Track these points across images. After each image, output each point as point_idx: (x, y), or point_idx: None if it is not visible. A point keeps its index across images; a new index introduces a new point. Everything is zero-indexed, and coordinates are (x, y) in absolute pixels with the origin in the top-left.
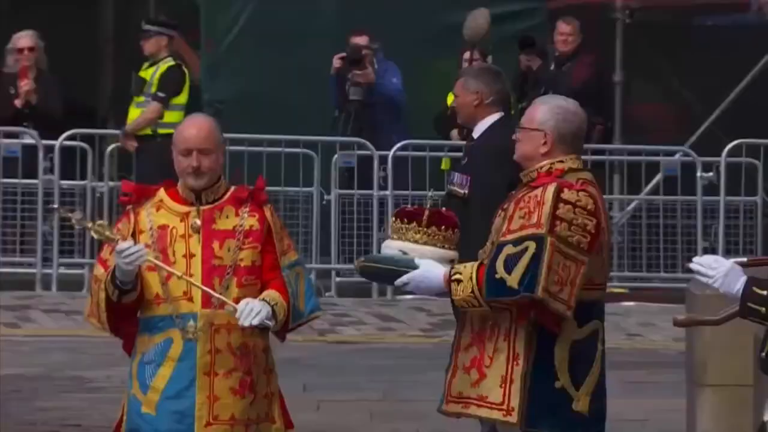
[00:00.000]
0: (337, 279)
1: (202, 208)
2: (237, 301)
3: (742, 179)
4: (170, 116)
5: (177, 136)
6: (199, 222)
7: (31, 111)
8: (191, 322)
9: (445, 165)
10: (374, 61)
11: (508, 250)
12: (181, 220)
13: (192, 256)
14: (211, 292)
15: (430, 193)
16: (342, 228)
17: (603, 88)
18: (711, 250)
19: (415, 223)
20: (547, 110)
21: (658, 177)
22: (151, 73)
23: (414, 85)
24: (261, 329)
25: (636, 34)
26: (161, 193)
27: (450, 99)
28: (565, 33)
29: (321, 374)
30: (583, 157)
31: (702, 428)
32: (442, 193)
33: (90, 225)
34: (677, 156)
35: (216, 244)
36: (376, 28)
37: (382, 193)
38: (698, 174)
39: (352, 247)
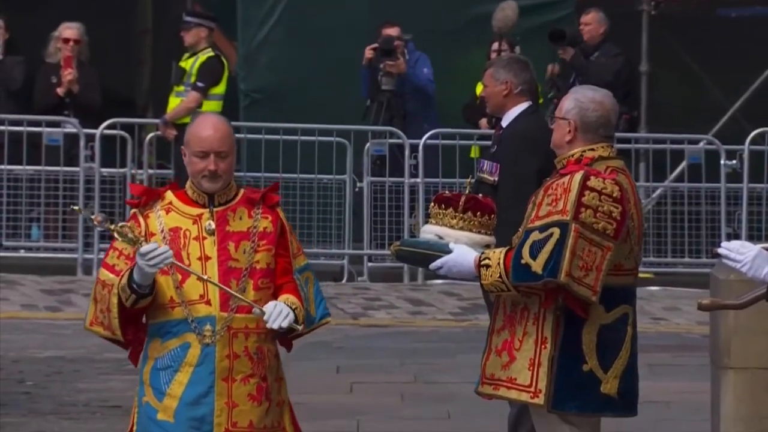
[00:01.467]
0: (369, 264)
1: (215, 210)
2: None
3: (765, 167)
4: (209, 105)
5: (192, 137)
6: (213, 224)
7: (72, 100)
8: (208, 326)
9: (474, 153)
10: (405, 51)
11: (535, 236)
12: (193, 222)
13: (207, 258)
14: (239, 295)
15: (468, 180)
16: (374, 215)
17: (629, 78)
18: (734, 236)
19: (451, 209)
20: (573, 99)
21: (683, 165)
22: (190, 64)
23: (444, 75)
24: (283, 335)
25: (661, 26)
26: (169, 195)
27: (479, 89)
28: (590, 23)
29: (353, 357)
30: None
31: (725, 410)
32: (473, 180)
33: (113, 227)
34: (701, 144)
35: (231, 246)
36: (406, 20)
37: (413, 180)
38: (722, 162)
39: (384, 233)
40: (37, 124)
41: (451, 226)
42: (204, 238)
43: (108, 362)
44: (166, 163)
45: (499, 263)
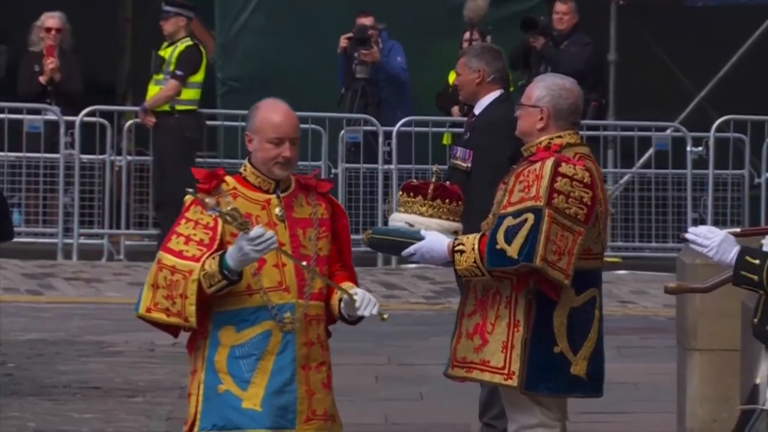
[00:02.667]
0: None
1: (282, 195)
2: (320, 291)
3: (730, 153)
4: (187, 93)
5: (264, 123)
6: (283, 211)
7: (54, 88)
8: (288, 314)
9: (446, 140)
10: (379, 40)
11: (508, 221)
12: (262, 208)
13: (282, 245)
14: (334, 283)
15: (435, 168)
16: (348, 200)
17: (598, 67)
18: (700, 221)
19: (420, 197)
20: (543, 87)
21: (650, 151)
22: (170, 53)
23: (417, 64)
24: (351, 323)
25: (629, 15)
26: (231, 180)
27: (452, 77)
28: (561, 12)
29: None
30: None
31: (692, 391)
32: (445, 167)
33: (226, 210)
34: (668, 131)
35: (300, 233)
36: (381, 10)
37: (386, 166)
38: (688, 148)
39: (359, 218)
40: (19, 111)
41: (421, 214)
42: (275, 225)
43: (88, 344)
44: (145, 149)
45: (473, 249)
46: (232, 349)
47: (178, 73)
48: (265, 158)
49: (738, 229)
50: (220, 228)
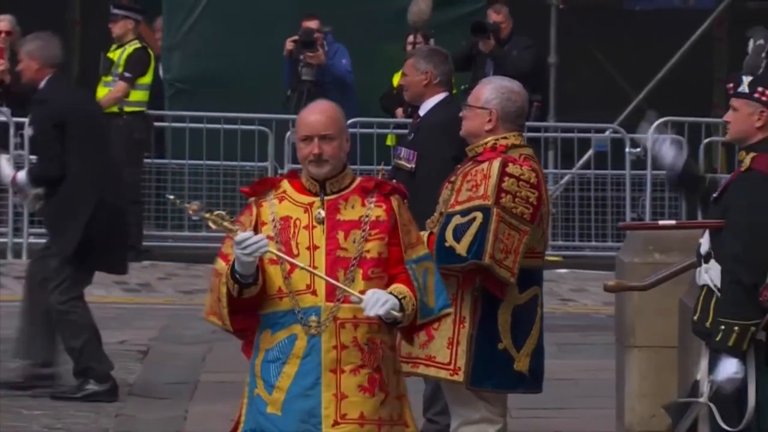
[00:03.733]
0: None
1: (326, 198)
2: (363, 294)
3: None
4: (136, 95)
5: (298, 122)
6: (323, 213)
7: (4, 90)
8: (314, 317)
9: (390, 141)
10: (324, 43)
11: (457, 220)
12: (304, 211)
13: (316, 248)
14: (333, 281)
15: (380, 167)
16: None
17: (539, 69)
18: (639, 221)
19: None
20: (492, 90)
21: (590, 152)
22: (118, 55)
23: (362, 66)
24: (388, 325)
25: (569, 18)
26: (284, 184)
27: (396, 79)
28: (496, 21)
29: None
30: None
31: (630, 387)
32: (389, 167)
33: (208, 215)
34: (607, 133)
35: (341, 235)
36: (327, 13)
37: None
38: (627, 149)
39: None
40: None
41: None
42: (314, 227)
43: None
44: None
45: None
46: (266, 353)
47: (127, 75)
48: (301, 158)
49: (673, 221)
50: (261, 231)
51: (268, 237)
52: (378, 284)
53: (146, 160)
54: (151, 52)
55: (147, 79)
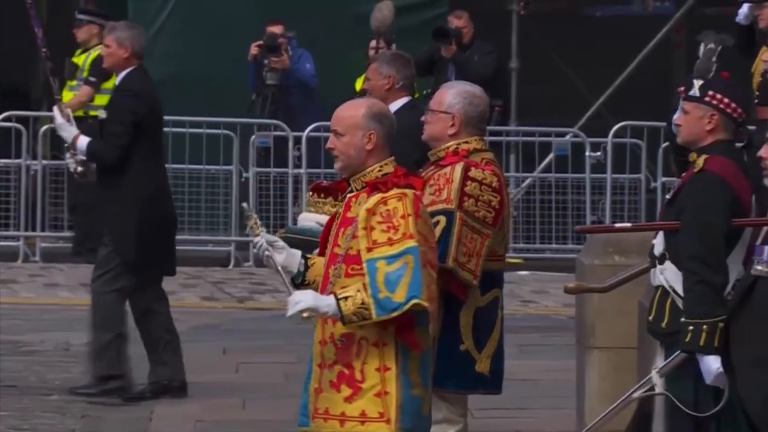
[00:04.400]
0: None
1: (347, 195)
2: (342, 290)
3: (627, 158)
4: (100, 99)
5: None
6: (340, 210)
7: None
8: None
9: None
10: (289, 48)
11: None
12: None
13: (323, 241)
14: (284, 278)
15: None
16: (259, 203)
17: (500, 74)
18: (599, 223)
19: (331, 198)
20: (455, 94)
21: (551, 156)
22: (83, 59)
23: (326, 71)
24: (382, 323)
25: (530, 24)
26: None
27: (359, 84)
28: (458, 26)
29: (240, 339)
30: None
31: (590, 387)
32: None
33: (246, 221)
34: (568, 137)
35: (342, 232)
36: (292, 18)
37: (296, 171)
38: (587, 153)
39: (269, 221)
40: None
41: (331, 214)
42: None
43: (4, 344)
44: (60, 154)
45: None
46: None
47: (91, 79)
48: None
49: (629, 224)
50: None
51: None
52: (358, 281)
53: None
54: None
55: (111, 83)
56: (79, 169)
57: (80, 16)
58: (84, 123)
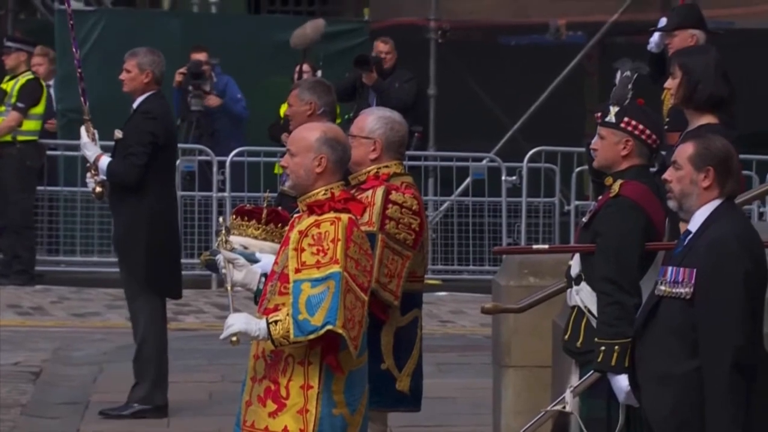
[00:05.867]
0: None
1: (294, 215)
2: (275, 307)
3: (542, 182)
4: (28, 125)
5: None
6: (286, 229)
7: None
8: None
9: (277, 169)
10: (213, 75)
11: None
12: None
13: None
14: (231, 299)
15: (267, 194)
16: (184, 226)
17: (419, 101)
18: (515, 246)
19: (254, 221)
20: (375, 120)
21: (468, 180)
22: (11, 86)
23: (250, 97)
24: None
25: (448, 52)
26: None
27: (283, 109)
28: (382, 51)
29: None
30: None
31: (506, 405)
32: (275, 194)
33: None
34: (484, 161)
35: (282, 250)
36: (216, 46)
37: (220, 194)
38: (503, 177)
39: (194, 243)
40: None
41: (255, 237)
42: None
43: None
44: None
45: None
46: None
47: (20, 105)
48: None
49: (546, 246)
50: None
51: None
52: (288, 299)
53: (39, 188)
54: (43, 83)
55: (39, 109)
56: (98, 189)
57: (8, 43)
58: (12, 147)
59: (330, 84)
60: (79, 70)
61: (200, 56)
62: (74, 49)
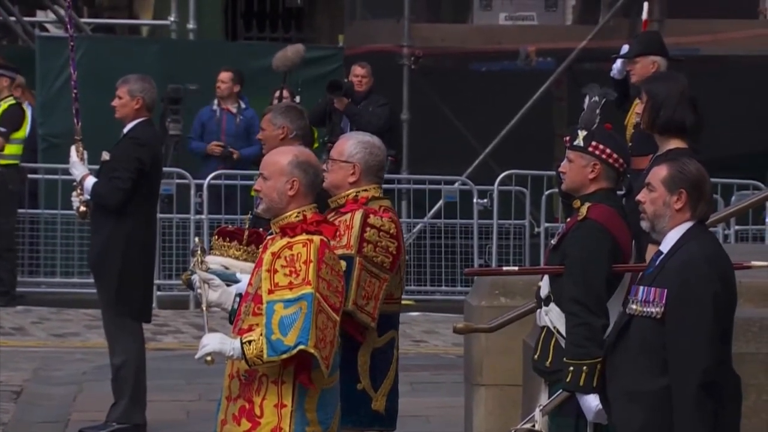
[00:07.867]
0: (158, 293)
1: (268, 237)
2: (249, 327)
3: (512, 205)
4: (10, 149)
5: None
6: (259, 251)
7: None
8: None
9: (253, 192)
10: (240, 102)
11: None
12: None
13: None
14: (206, 318)
15: (247, 217)
16: (162, 248)
17: (393, 125)
18: (486, 266)
19: (236, 242)
20: (355, 144)
21: (440, 203)
22: None
23: None
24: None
25: (420, 78)
26: None
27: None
28: (359, 75)
29: None
30: None
31: (478, 423)
32: (251, 217)
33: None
34: (456, 185)
35: (257, 271)
36: (194, 73)
37: (198, 216)
38: (474, 200)
39: (172, 264)
40: None
41: (236, 257)
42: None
43: None
44: None
45: None
46: None
47: (2, 129)
48: None
49: (516, 268)
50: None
51: None
52: (261, 320)
53: (20, 210)
54: (25, 108)
55: (21, 133)
56: (82, 208)
57: None
58: None
59: (302, 108)
60: (75, 91)
61: (225, 76)
62: (72, 70)
